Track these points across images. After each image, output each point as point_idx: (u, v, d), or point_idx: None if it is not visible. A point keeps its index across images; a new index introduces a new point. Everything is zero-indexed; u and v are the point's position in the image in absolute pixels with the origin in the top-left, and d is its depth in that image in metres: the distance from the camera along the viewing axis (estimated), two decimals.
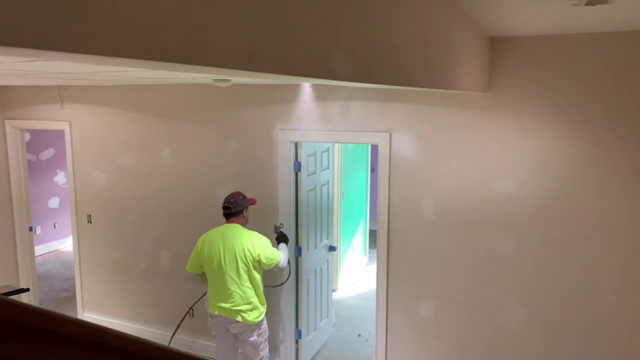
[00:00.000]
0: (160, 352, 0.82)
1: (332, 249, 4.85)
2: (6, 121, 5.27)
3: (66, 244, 7.91)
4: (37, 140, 7.52)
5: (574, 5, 2.20)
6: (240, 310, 3.41)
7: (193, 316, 4.67)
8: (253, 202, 3.73)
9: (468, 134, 3.47)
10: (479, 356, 3.66)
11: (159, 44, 0.85)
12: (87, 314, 5.25)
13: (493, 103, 3.38)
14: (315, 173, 4.40)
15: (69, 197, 5.14)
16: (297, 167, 4.13)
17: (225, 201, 3.53)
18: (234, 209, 3.48)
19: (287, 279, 4.05)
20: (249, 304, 3.42)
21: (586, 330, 3.34)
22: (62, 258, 7.57)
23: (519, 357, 3.55)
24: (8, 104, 5.27)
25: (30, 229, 5.47)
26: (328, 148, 4.70)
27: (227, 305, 3.41)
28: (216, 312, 3.49)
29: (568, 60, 3.17)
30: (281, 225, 3.98)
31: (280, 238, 3.85)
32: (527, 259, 3.42)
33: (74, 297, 5.45)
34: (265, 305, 3.58)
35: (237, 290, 3.39)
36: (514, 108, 3.33)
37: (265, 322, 3.61)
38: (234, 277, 3.38)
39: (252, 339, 3.50)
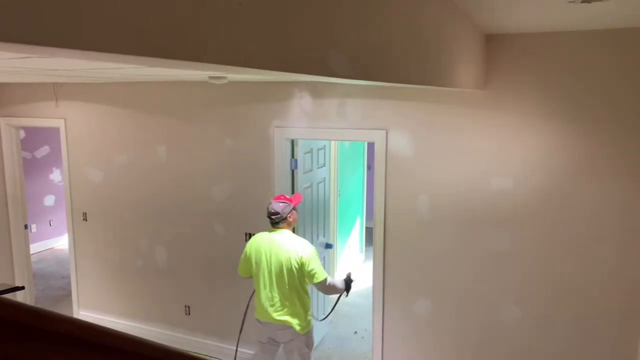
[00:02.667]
0: (159, 351, 0.82)
1: (328, 246, 4.85)
2: (1, 119, 5.24)
3: (62, 242, 7.89)
4: (33, 138, 7.48)
5: (570, 2, 2.20)
6: (287, 319, 3.29)
7: (189, 314, 4.67)
8: (298, 200, 3.53)
9: (465, 131, 3.47)
10: (474, 352, 3.68)
11: (152, 40, 0.84)
12: (83, 312, 5.24)
13: (489, 100, 3.38)
14: (311, 171, 4.40)
15: (65, 195, 5.13)
16: (294, 164, 4.12)
17: (268, 212, 3.37)
18: (276, 219, 3.34)
19: (328, 314, 4.11)
20: (295, 312, 3.30)
21: (585, 328, 3.35)
22: (58, 256, 7.54)
23: (514, 353, 3.56)
24: (2, 101, 5.24)
25: (26, 226, 5.45)
26: (324, 146, 4.70)
27: (274, 313, 3.29)
28: (262, 319, 3.37)
29: (565, 58, 3.17)
30: (349, 275, 3.69)
31: (345, 283, 3.54)
32: (523, 257, 3.43)
33: (69, 295, 5.43)
34: (311, 315, 3.45)
35: (284, 298, 3.27)
36: (511, 105, 3.34)
37: (312, 333, 3.48)
38: (281, 284, 3.26)
39: (299, 349, 3.38)
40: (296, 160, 4.12)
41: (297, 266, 3.23)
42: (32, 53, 0.72)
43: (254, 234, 4.21)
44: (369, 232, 5.91)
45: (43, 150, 7.71)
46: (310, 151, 4.35)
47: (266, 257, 3.29)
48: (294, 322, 3.29)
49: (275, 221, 3.34)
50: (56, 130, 5.15)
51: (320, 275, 3.26)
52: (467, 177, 3.50)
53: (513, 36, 3.26)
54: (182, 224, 4.55)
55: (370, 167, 7.26)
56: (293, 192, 4.16)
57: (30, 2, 0.63)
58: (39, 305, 5.30)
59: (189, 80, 4.13)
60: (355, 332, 4.97)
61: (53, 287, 6.34)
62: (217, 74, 2.74)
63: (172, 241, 4.64)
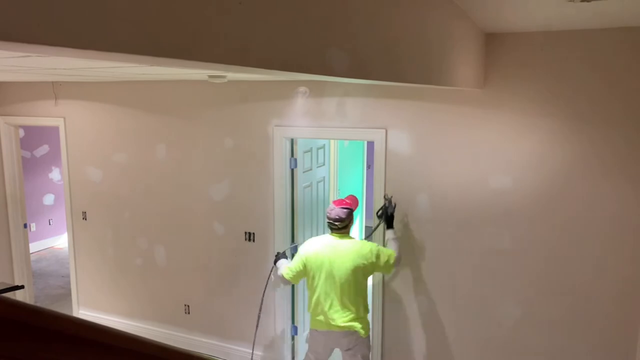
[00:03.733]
0: (158, 349, 0.82)
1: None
2: (0, 117, 5.23)
3: (61, 241, 7.89)
4: (32, 137, 7.48)
5: (569, 1, 2.20)
6: (354, 324, 3.23)
7: (189, 313, 4.67)
8: (357, 204, 3.46)
9: (464, 130, 3.47)
10: (473, 351, 3.68)
11: (152, 39, 0.84)
12: (83, 311, 5.24)
13: (489, 99, 3.38)
14: (311, 170, 4.40)
15: (64, 194, 5.12)
16: (293, 163, 4.12)
17: (332, 217, 3.28)
18: (340, 226, 3.28)
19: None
20: (359, 317, 3.25)
21: (584, 328, 3.36)
22: (57, 255, 7.54)
23: (513, 352, 3.56)
24: (2, 100, 5.24)
25: (25, 225, 5.44)
26: (324, 145, 4.70)
27: (340, 320, 3.20)
28: (323, 328, 3.26)
29: (565, 57, 3.17)
30: (387, 197, 3.61)
31: (384, 216, 3.52)
32: (522, 256, 3.44)
33: (69, 294, 5.43)
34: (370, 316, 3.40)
35: (350, 304, 3.21)
36: (510, 105, 3.34)
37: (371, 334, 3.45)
38: (348, 290, 3.19)
39: (363, 352, 3.31)
40: (296, 159, 4.12)
41: (373, 261, 3.20)
42: (33, 52, 0.72)
43: (253, 233, 4.25)
44: (369, 231, 5.91)
45: (42, 149, 7.71)
46: (310, 150, 4.35)
47: (330, 264, 3.19)
48: (358, 327, 3.23)
49: (339, 227, 3.28)
50: (55, 129, 5.15)
51: (392, 258, 3.25)
52: (467, 175, 3.50)
53: (513, 35, 3.25)
54: (181, 223, 4.55)
55: (369, 166, 7.26)
56: (292, 191, 4.16)
57: (33, 1, 0.63)
58: (39, 304, 5.29)
59: (189, 79, 4.13)
60: None
61: (52, 286, 6.34)
62: (217, 73, 2.74)
63: (171, 240, 4.63)
